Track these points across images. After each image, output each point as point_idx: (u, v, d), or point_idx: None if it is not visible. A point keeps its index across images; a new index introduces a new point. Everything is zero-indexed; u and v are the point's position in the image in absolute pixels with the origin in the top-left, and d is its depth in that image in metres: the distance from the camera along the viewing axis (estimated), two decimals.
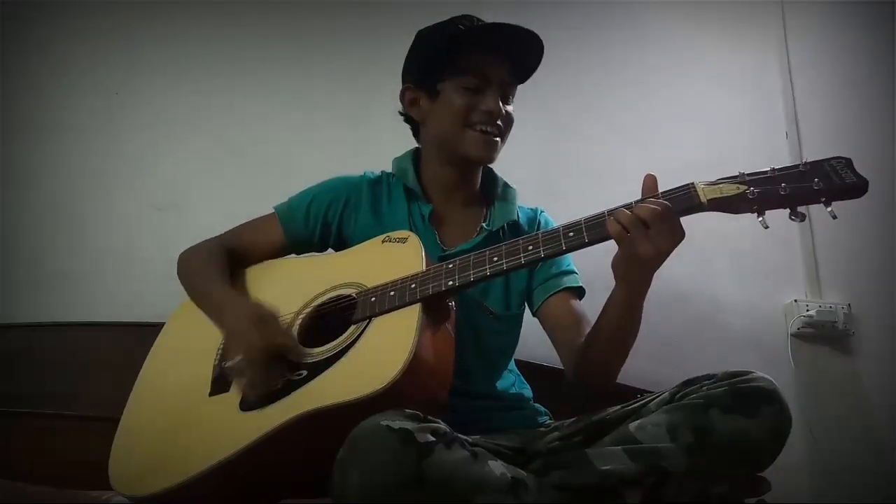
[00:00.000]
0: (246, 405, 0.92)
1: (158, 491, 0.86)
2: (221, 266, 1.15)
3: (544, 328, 1.20)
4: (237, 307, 1.04)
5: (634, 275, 0.93)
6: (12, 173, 1.69)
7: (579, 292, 1.20)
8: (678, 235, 0.87)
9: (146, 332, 1.17)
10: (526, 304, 1.23)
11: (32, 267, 1.63)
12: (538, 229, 1.25)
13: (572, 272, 1.21)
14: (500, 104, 1.15)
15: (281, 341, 0.96)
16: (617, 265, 0.94)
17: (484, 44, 1.14)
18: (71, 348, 1.52)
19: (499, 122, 1.15)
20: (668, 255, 0.88)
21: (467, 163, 1.20)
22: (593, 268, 1.19)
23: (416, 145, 1.28)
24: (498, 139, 1.17)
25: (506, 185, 1.28)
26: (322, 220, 1.20)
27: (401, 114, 1.26)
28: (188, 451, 0.89)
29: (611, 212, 0.90)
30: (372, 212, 1.20)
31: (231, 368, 0.96)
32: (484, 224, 1.21)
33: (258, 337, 0.95)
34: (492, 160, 1.20)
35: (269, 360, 0.94)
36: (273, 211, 1.23)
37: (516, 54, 1.16)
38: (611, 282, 0.98)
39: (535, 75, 1.24)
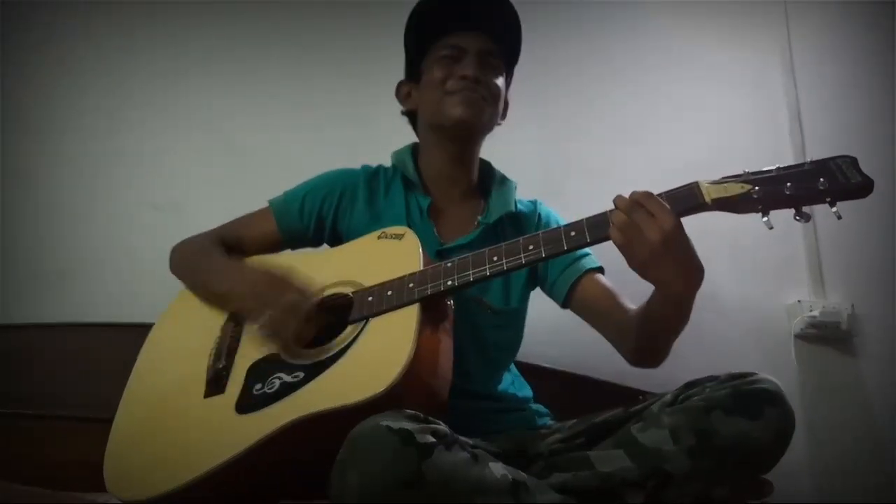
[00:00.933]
0: (242, 407, 0.91)
1: (155, 495, 0.85)
2: (220, 251, 1.15)
3: (581, 316, 1.16)
4: (251, 268, 1.05)
5: (653, 274, 0.88)
6: (12, 173, 1.69)
7: (600, 271, 1.17)
8: (664, 221, 0.82)
9: (145, 333, 1.16)
10: (553, 300, 1.20)
11: (32, 267, 1.63)
12: (538, 221, 1.24)
13: (587, 254, 1.18)
14: (479, 71, 1.13)
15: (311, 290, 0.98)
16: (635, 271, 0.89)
17: (453, 13, 1.13)
18: (70, 348, 1.52)
19: (480, 89, 1.13)
20: (663, 245, 0.82)
21: (455, 129, 1.15)
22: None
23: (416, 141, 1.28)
24: (479, 98, 1.13)
25: (503, 177, 1.27)
26: (317, 214, 1.19)
27: (403, 113, 1.27)
28: (185, 455, 0.88)
29: (612, 212, 0.88)
30: (368, 205, 1.19)
31: (266, 323, 0.95)
32: (480, 218, 1.19)
33: (294, 286, 0.97)
34: (478, 120, 1.15)
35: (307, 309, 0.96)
36: (268, 204, 1.22)
37: (488, 20, 1.15)
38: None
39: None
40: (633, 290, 1.03)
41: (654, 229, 0.83)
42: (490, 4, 1.14)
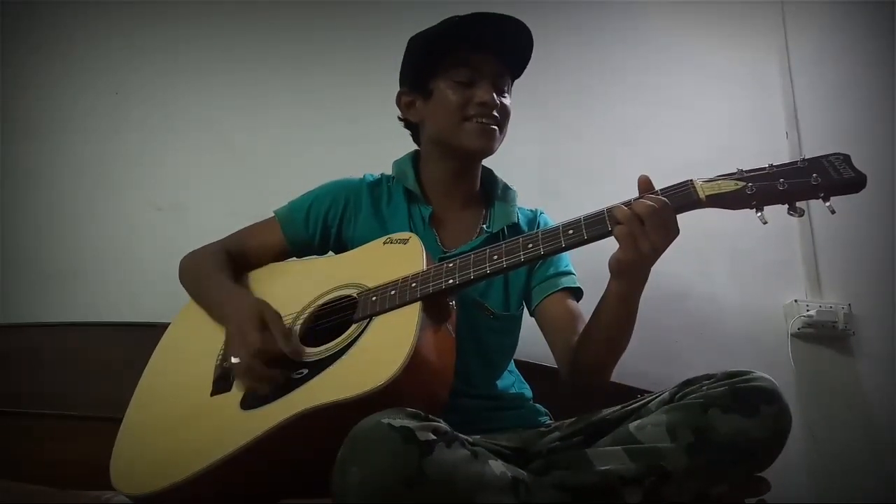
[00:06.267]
0: (247, 404, 0.92)
1: (158, 489, 0.86)
2: (224, 268, 1.16)
3: (541, 327, 1.20)
4: (240, 306, 1.04)
5: (630, 272, 0.93)
6: (12, 173, 1.69)
7: (577, 293, 1.20)
8: (672, 232, 0.88)
9: (146, 332, 1.17)
10: (525, 305, 1.23)
11: (32, 267, 1.63)
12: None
13: (570, 273, 1.21)
14: (495, 95, 1.14)
15: (281, 346, 0.95)
16: (614, 262, 0.93)
17: (471, 37, 1.14)
18: (71, 348, 1.51)
19: (495, 114, 1.15)
20: (662, 251, 0.89)
21: (467, 156, 1.19)
22: (592, 268, 1.19)
23: (416, 147, 1.29)
24: (496, 128, 1.16)
25: (506, 186, 1.29)
26: (322, 223, 1.21)
27: (400, 119, 1.27)
28: (189, 450, 0.89)
29: (610, 209, 0.90)
30: (372, 214, 1.21)
31: (231, 368, 0.96)
32: (484, 226, 1.21)
33: (259, 339, 0.95)
34: (492, 150, 1.18)
35: (269, 362, 0.94)
36: (273, 215, 1.24)
37: (505, 45, 1.15)
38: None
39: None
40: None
41: (656, 236, 0.87)
42: (510, 32, 1.15)
